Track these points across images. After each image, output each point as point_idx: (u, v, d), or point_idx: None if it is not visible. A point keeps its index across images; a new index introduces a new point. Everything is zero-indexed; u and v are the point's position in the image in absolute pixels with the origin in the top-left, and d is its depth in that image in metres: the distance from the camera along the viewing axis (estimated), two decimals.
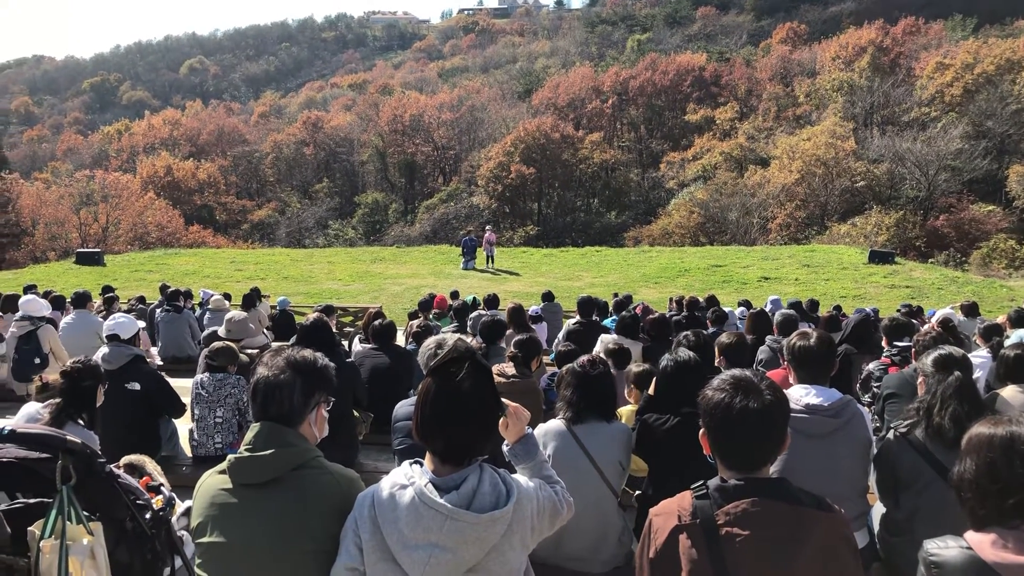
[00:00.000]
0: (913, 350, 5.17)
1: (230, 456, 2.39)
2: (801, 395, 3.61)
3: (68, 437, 2.60)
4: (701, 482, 2.20)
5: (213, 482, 2.39)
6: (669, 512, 2.19)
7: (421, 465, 2.22)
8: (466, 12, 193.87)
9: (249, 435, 2.40)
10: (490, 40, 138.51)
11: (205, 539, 2.34)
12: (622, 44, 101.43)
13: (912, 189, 47.62)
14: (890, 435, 3.60)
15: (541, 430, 3.82)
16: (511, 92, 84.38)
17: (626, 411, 5.08)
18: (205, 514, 2.35)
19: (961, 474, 2.20)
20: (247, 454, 2.36)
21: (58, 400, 3.91)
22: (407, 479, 2.17)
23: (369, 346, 7.03)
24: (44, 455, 2.56)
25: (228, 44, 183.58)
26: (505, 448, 2.53)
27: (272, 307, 16.40)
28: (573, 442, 3.76)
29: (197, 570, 2.37)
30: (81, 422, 3.98)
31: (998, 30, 70.36)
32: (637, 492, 4.14)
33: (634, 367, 5.49)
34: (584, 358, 4.11)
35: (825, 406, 3.55)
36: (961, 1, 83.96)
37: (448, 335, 4.27)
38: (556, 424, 3.85)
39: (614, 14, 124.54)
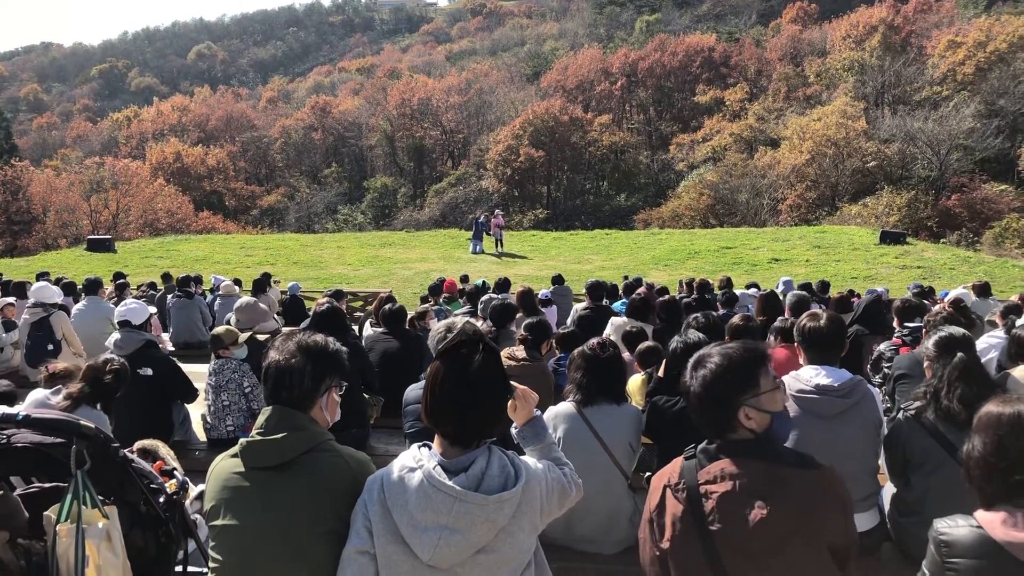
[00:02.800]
0: (924, 330, 5.15)
1: (242, 440, 2.40)
2: (811, 375, 3.61)
3: (82, 422, 2.62)
4: (692, 446, 2.33)
5: (226, 466, 2.41)
6: (663, 475, 2.35)
7: (429, 448, 2.23)
8: None
9: (261, 419, 2.42)
10: (498, 22, 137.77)
11: (218, 522, 2.36)
12: (631, 25, 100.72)
13: (924, 169, 47.25)
14: (900, 416, 3.60)
15: (551, 413, 3.84)
16: (519, 75, 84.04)
17: (636, 382, 5.10)
18: (218, 497, 2.37)
19: (969, 452, 2.23)
20: (259, 438, 2.37)
21: (80, 386, 3.99)
22: (415, 462, 2.18)
23: (380, 330, 7.05)
24: (58, 440, 2.58)
25: (235, 29, 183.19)
26: (514, 430, 2.53)
27: (283, 292, 16.47)
28: (583, 424, 3.78)
29: (211, 552, 2.39)
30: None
31: (1011, 7, 69.40)
32: (648, 474, 4.15)
33: (639, 345, 5.51)
34: (594, 341, 4.12)
35: (835, 386, 3.55)
36: None
37: (458, 319, 4.28)
38: (566, 407, 3.87)
39: None
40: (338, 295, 10.82)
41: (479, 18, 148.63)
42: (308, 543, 2.34)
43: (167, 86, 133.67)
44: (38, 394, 4.22)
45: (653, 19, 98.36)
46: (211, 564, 2.40)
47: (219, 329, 5.93)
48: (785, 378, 3.54)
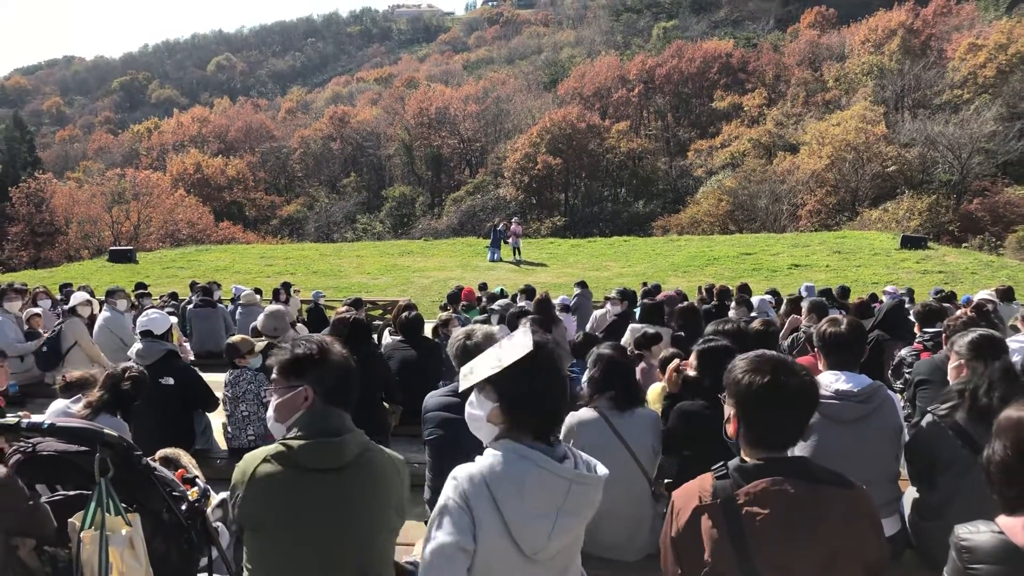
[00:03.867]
0: (944, 335, 5.10)
1: (293, 443, 2.41)
2: (831, 381, 3.60)
3: (106, 431, 2.65)
4: (721, 463, 2.24)
5: (270, 469, 2.40)
6: (690, 493, 2.23)
7: (513, 442, 2.26)
8: (490, 3, 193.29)
9: (308, 420, 2.47)
10: (515, 31, 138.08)
11: (273, 530, 2.39)
12: (648, 32, 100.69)
13: (945, 173, 46.84)
14: (928, 418, 3.56)
15: (573, 419, 3.84)
16: (536, 83, 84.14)
17: (655, 391, 5.09)
18: (268, 502, 2.38)
19: (990, 456, 2.21)
20: (319, 440, 2.42)
21: (99, 394, 4.04)
22: (518, 454, 2.20)
23: (398, 339, 7.08)
24: (82, 448, 2.62)
25: (254, 41, 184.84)
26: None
27: (303, 302, 16.58)
28: (609, 430, 3.79)
29: (260, 557, 2.42)
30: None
31: None
32: (667, 480, 4.15)
33: (663, 352, 5.49)
34: (612, 344, 4.14)
35: (855, 392, 3.54)
36: None
37: (477, 326, 4.30)
38: (588, 413, 3.86)
39: (639, 2, 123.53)
40: (357, 304, 10.88)
41: (496, 27, 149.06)
42: (375, 540, 2.49)
43: (187, 98, 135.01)
44: (59, 404, 4.27)
45: (670, 25, 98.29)
46: (258, 569, 2.42)
47: (235, 338, 5.97)
48: None
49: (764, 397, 2.19)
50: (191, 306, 11.75)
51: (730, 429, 2.28)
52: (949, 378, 3.80)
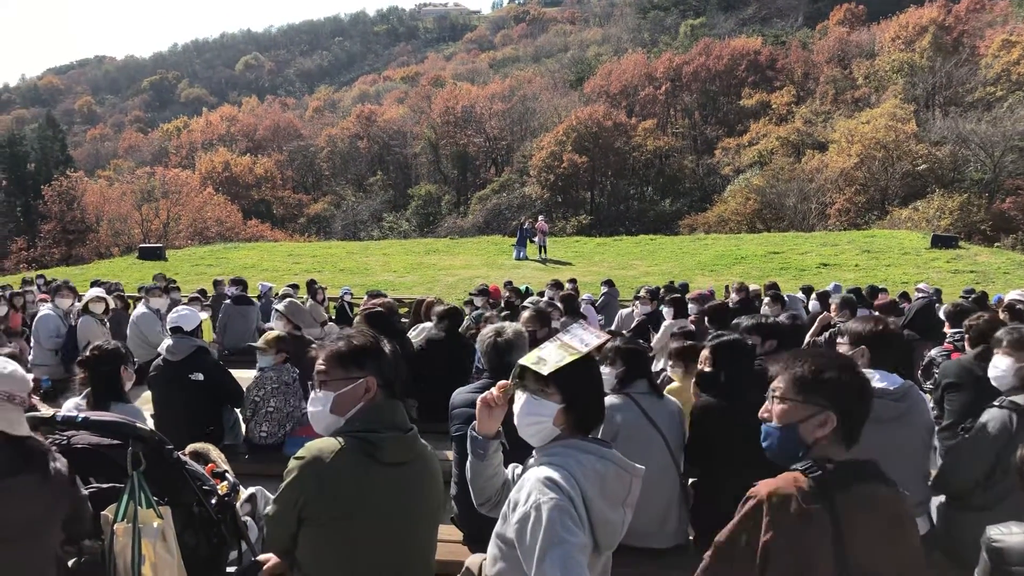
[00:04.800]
0: (966, 336, 5.03)
1: (370, 438, 2.41)
2: (873, 377, 3.59)
3: (138, 425, 2.69)
4: (810, 463, 2.15)
5: (351, 465, 2.38)
6: (784, 494, 2.11)
7: (582, 438, 2.29)
8: (517, 2, 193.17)
9: (377, 413, 2.48)
10: (541, 29, 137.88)
11: (350, 524, 2.39)
12: (675, 30, 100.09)
13: (976, 171, 46.19)
14: (999, 409, 3.53)
15: (604, 402, 3.84)
16: (563, 81, 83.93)
17: (673, 389, 5.08)
18: (348, 498, 2.38)
19: (1023, 457, 2.19)
20: (396, 434, 2.46)
21: (81, 376, 4.10)
22: (596, 454, 2.23)
23: (433, 330, 7.06)
24: (115, 442, 2.66)
25: (282, 40, 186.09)
26: (475, 434, 2.48)
27: (331, 299, 16.70)
28: (640, 414, 3.83)
29: (329, 557, 2.42)
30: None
31: None
32: (691, 480, 4.14)
33: (674, 343, 5.46)
34: (624, 340, 4.26)
35: (891, 390, 3.52)
36: None
37: (507, 323, 4.34)
38: (619, 397, 3.90)
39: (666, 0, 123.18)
40: (377, 295, 10.92)
41: (522, 25, 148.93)
42: (434, 532, 2.64)
43: (216, 96, 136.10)
44: (70, 403, 4.32)
45: (698, 23, 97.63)
46: (325, 564, 2.43)
47: (258, 342, 6.06)
48: None
49: (865, 393, 2.23)
50: (227, 302, 11.82)
51: (820, 432, 2.18)
52: (999, 375, 3.74)
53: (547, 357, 2.27)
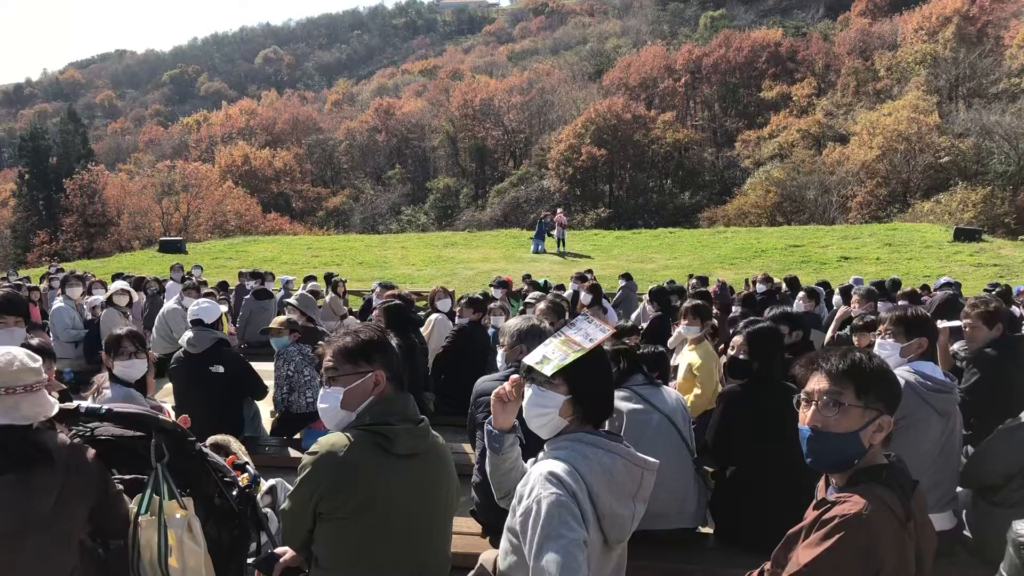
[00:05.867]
0: (972, 317, 4.91)
1: (383, 430, 2.42)
2: (929, 370, 3.57)
3: (161, 417, 2.71)
4: (878, 470, 2.10)
5: (366, 458, 2.39)
6: (883, 518, 1.99)
7: (586, 434, 2.28)
8: None
9: (387, 406, 2.49)
10: (560, 21, 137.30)
11: (367, 517, 2.40)
12: (695, 21, 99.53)
13: (1000, 164, 45.64)
14: None
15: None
16: (581, 73, 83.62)
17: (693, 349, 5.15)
18: (366, 492, 2.39)
19: None
20: (408, 426, 2.47)
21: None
22: (602, 447, 2.23)
23: (463, 320, 7.09)
24: (138, 433, 2.68)
25: (301, 33, 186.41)
26: (491, 428, 2.50)
27: (349, 292, 16.72)
28: (643, 401, 3.84)
29: (348, 550, 2.43)
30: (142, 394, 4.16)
31: None
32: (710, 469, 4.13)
33: (687, 303, 5.60)
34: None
35: (950, 383, 3.52)
36: None
37: (531, 314, 4.36)
38: (619, 390, 3.88)
39: None
40: (388, 286, 10.95)
41: (541, 17, 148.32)
42: (448, 523, 2.65)
43: (235, 90, 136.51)
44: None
45: (718, 15, 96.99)
46: (345, 557, 2.44)
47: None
48: (903, 371, 3.54)
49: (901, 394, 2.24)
50: (247, 296, 11.89)
51: (878, 438, 2.11)
52: None
53: (551, 356, 2.28)
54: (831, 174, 48.22)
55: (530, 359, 2.31)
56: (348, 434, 2.42)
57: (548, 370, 2.24)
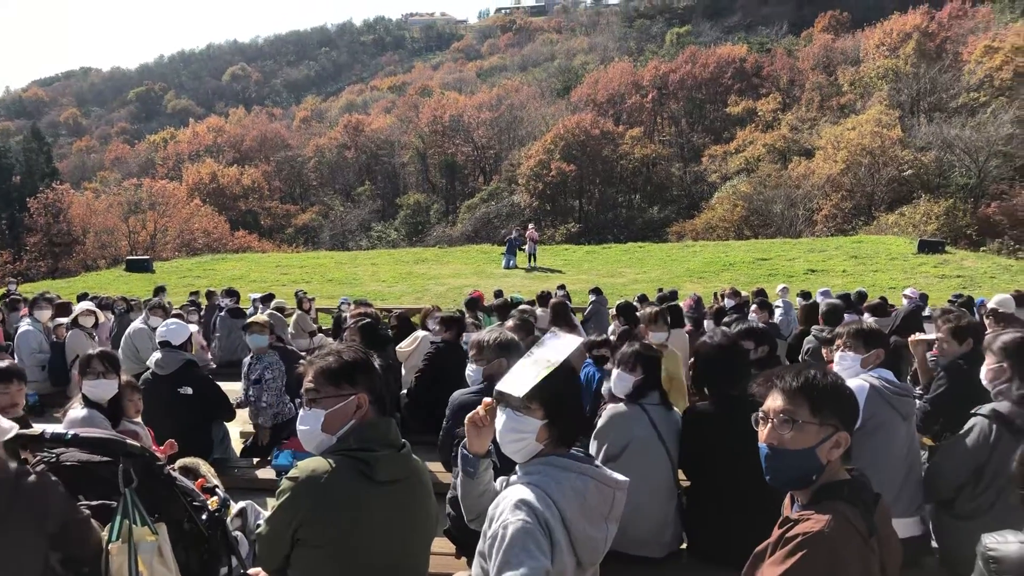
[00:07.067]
0: (942, 332, 5.01)
1: (364, 456, 2.37)
2: (889, 376, 3.67)
3: (128, 441, 2.67)
4: (840, 486, 2.10)
5: (348, 485, 2.34)
6: (846, 535, 2.00)
7: (559, 455, 2.28)
8: (503, 11, 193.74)
9: (370, 431, 2.44)
10: (528, 38, 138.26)
11: (348, 544, 2.35)
12: (661, 38, 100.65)
13: (962, 176, 46.55)
14: (983, 418, 3.50)
15: (615, 412, 3.86)
16: (550, 90, 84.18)
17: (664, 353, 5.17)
18: (348, 519, 2.34)
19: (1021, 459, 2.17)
20: (391, 452, 2.44)
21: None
22: (574, 470, 2.22)
23: (438, 340, 7.04)
24: (105, 459, 2.63)
25: (269, 50, 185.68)
26: (465, 452, 2.47)
27: (320, 309, 16.60)
28: (651, 426, 3.79)
29: (331, 572, 2.38)
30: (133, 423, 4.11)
31: None
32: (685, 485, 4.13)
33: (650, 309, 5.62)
34: (644, 345, 4.22)
35: (908, 387, 3.60)
36: None
37: (504, 329, 4.33)
38: (631, 407, 3.86)
39: (652, 8, 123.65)
40: (363, 304, 10.86)
41: (509, 34, 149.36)
42: (428, 548, 2.64)
43: (203, 107, 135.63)
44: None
45: (683, 31, 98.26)
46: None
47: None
48: (867, 376, 3.67)
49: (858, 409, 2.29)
50: (221, 313, 11.78)
51: (835, 454, 2.12)
52: (984, 379, 3.73)
53: (522, 378, 2.25)
54: (797, 188, 48.80)
55: (503, 385, 2.28)
56: (330, 459, 2.36)
57: (522, 391, 2.22)
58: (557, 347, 2.30)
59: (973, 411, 3.58)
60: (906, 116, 53.36)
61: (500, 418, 2.31)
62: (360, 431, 2.43)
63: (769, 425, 2.16)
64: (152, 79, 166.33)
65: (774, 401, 2.16)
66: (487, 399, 2.40)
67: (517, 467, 2.33)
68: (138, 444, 2.67)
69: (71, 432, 2.65)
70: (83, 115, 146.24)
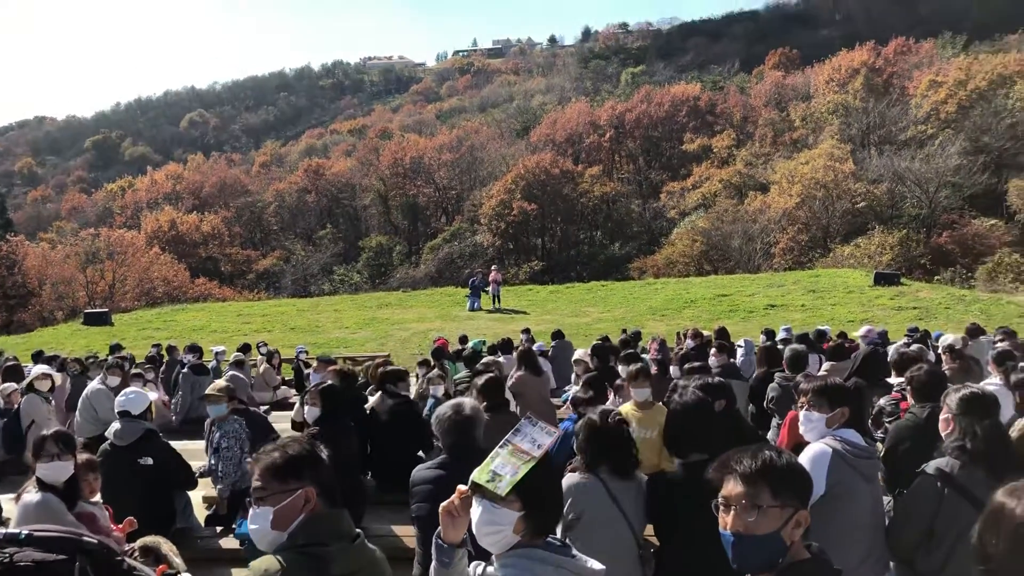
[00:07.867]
0: (909, 387, 5.07)
1: (319, 552, 2.32)
2: (853, 437, 3.66)
3: (84, 538, 2.61)
4: (802, 566, 2.12)
5: None
6: None
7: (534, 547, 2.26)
8: (461, 54, 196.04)
9: (321, 525, 2.40)
10: (486, 80, 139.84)
11: None
12: (616, 78, 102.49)
13: (913, 207, 47.71)
14: (928, 476, 3.51)
15: (570, 483, 3.71)
16: (509, 130, 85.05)
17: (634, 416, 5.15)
18: None
19: (984, 544, 1.97)
20: (345, 545, 2.41)
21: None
22: (551, 563, 2.21)
23: (391, 401, 6.95)
24: (61, 556, 2.57)
25: (227, 96, 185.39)
26: (440, 542, 2.41)
27: (285, 360, 16.41)
28: (608, 498, 3.68)
29: None
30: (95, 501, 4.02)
31: (988, 46, 70.92)
32: (652, 549, 4.08)
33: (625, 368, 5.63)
34: (600, 410, 4.03)
35: (871, 448, 3.61)
36: (950, 19, 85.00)
37: (465, 400, 4.25)
38: (587, 478, 3.75)
39: (607, 49, 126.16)
40: (327, 361, 10.72)
41: (467, 76, 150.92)
42: None
43: (160, 155, 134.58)
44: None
45: (638, 71, 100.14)
46: None
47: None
48: (830, 441, 3.63)
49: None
50: (184, 370, 11.60)
51: (797, 533, 2.14)
52: (942, 431, 3.78)
53: (501, 471, 2.22)
54: (754, 222, 49.51)
55: (479, 477, 2.25)
56: (279, 557, 2.30)
57: (502, 489, 2.19)
58: (535, 438, 2.27)
59: (919, 468, 3.61)
60: (857, 149, 54.62)
61: (476, 510, 2.26)
62: (309, 526, 2.37)
63: (732, 512, 2.14)
64: (109, 127, 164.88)
65: (734, 487, 2.15)
66: (461, 487, 2.34)
67: (493, 558, 2.30)
68: (95, 539, 2.61)
69: (24, 531, 2.58)
70: (38, 164, 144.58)
